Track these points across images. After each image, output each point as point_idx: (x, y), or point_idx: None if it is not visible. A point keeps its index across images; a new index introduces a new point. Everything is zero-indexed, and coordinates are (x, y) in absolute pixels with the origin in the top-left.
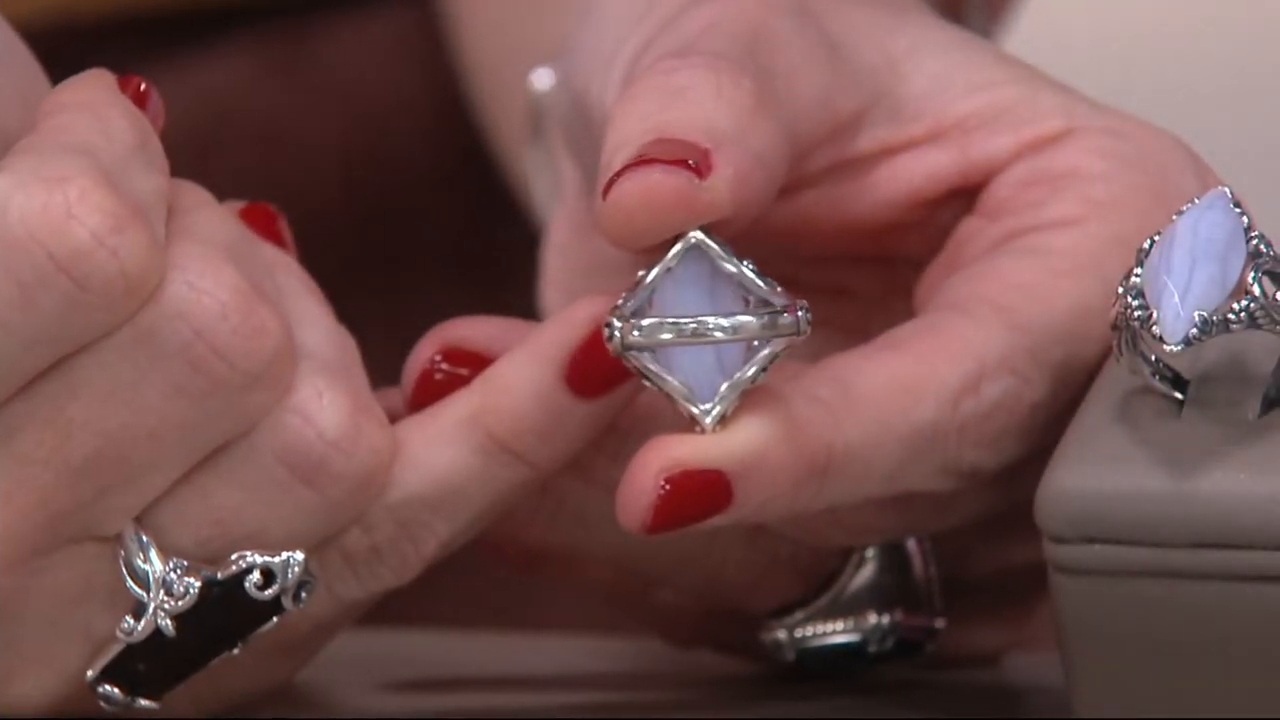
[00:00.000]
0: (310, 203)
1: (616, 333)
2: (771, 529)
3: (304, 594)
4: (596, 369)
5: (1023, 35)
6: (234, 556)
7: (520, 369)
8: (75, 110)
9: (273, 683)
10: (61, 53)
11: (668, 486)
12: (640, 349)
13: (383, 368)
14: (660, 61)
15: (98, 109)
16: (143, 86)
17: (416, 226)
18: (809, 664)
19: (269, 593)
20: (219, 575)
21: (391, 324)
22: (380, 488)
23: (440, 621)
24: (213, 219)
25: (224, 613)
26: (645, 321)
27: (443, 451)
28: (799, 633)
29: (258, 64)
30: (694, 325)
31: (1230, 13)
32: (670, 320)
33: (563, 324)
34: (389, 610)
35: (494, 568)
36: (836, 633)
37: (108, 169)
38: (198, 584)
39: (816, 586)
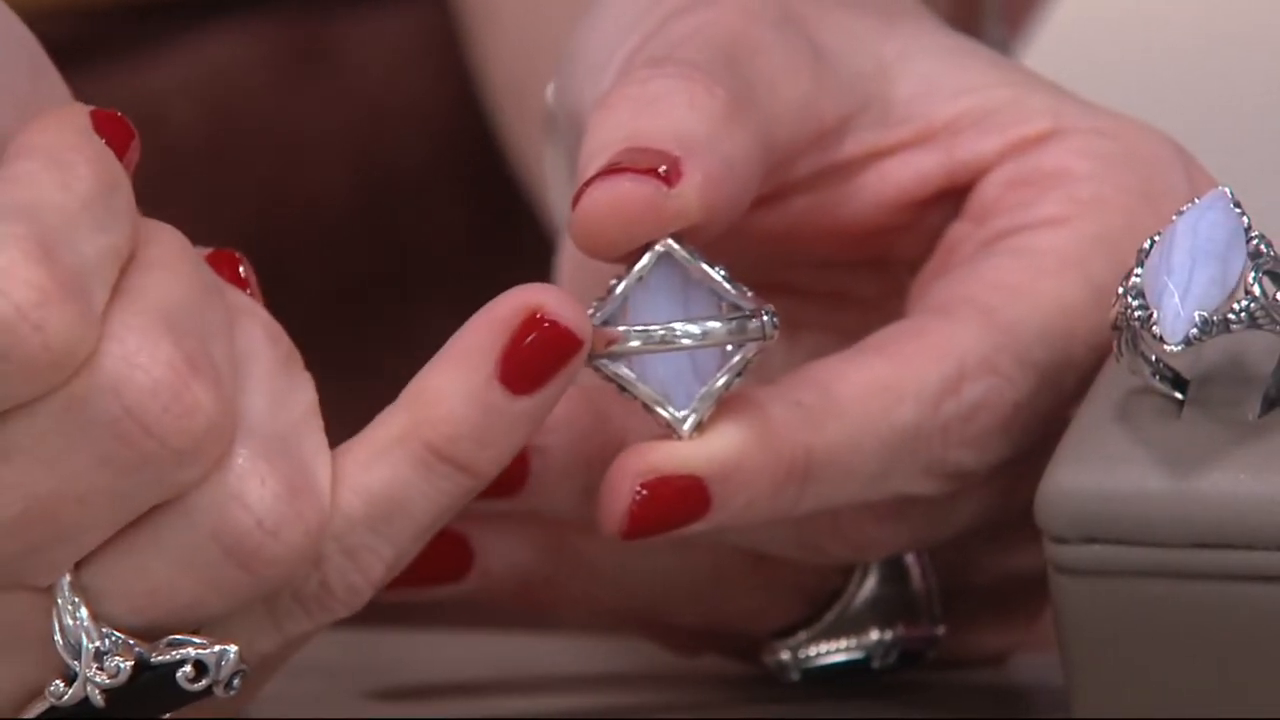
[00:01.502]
0: (315, 200)
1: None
2: (775, 552)
3: (236, 682)
4: (531, 363)
5: (1044, 44)
6: (167, 641)
7: (449, 375)
8: (38, 158)
9: (222, 713)
10: (67, 37)
11: (644, 492)
12: (610, 357)
13: (389, 368)
14: (635, 71)
15: (62, 155)
16: (119, 119)
17: (428, 226)
18: (813, 682)
19: (200, 685)
20: (152, 659)
21: (401, 325)
22: (314, 560)
23: (437, 622)
24: (165, 279)
25: (154, 692)
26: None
27: (381, 470)
28: (802, 653)
29: (267, 55)
30: (662, 332)
31: (1250, 19)
32: (638, 328)
33: (488, 322)
34: (387, 612)
35: None
36: (840, 651)
37: (49, 233)
38: (130, 664)
39: (818, 606)
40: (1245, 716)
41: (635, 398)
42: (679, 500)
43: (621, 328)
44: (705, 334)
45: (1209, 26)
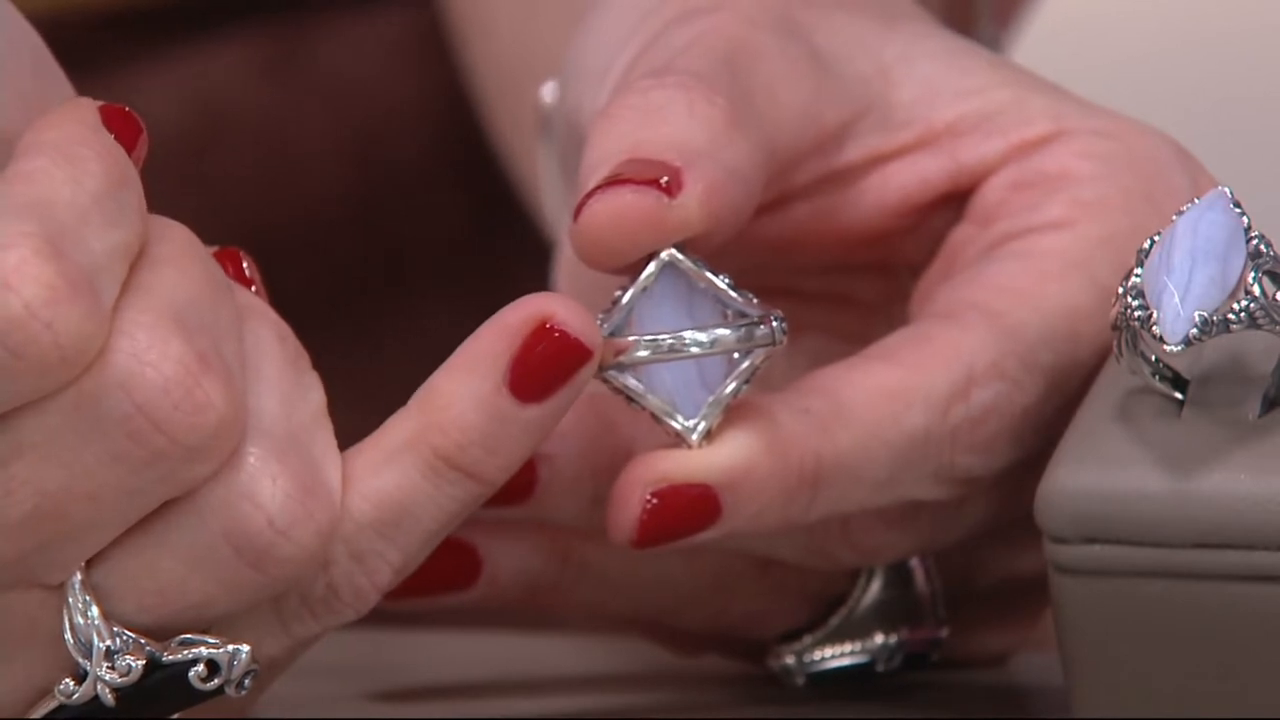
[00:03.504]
0: (308, 203)
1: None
2: (785, 558)
3: (248, 682)
4: (540, 371)
5: (1033, 42)
6: (179, 640)
7: (459, 381)
8: (48, 153)
9: (227, 714)
10: (54, 46)
11: (654, 501)
12: (619, 368)
13: (387, 370)
14: (636, 81)
15: (72, 151)
16: (127, 114)
17: (417, 228)
18: (818, 685)
19: (212, 684)
20: (164, 658)
21: (398, 325)
22: (323, 562)
23: (439, 623)
24: (175, 275)
25: (165, 692)
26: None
27: (389, 474)
28: (807, 657)
29: (256, 61)
30: (671, 341)
31: (1244, 18)
32: (647, 338)
33: (498, 330)
34: (389, 613)
35: None
36: (844, 655)
37: (59, 230)
38: (141, 663)
39: (822, 610)
40: (1245, 716)
41: (643, 408)
42: (689, 509)
43: (630, 337)
44: (714, 342)
45: (1201, 23)
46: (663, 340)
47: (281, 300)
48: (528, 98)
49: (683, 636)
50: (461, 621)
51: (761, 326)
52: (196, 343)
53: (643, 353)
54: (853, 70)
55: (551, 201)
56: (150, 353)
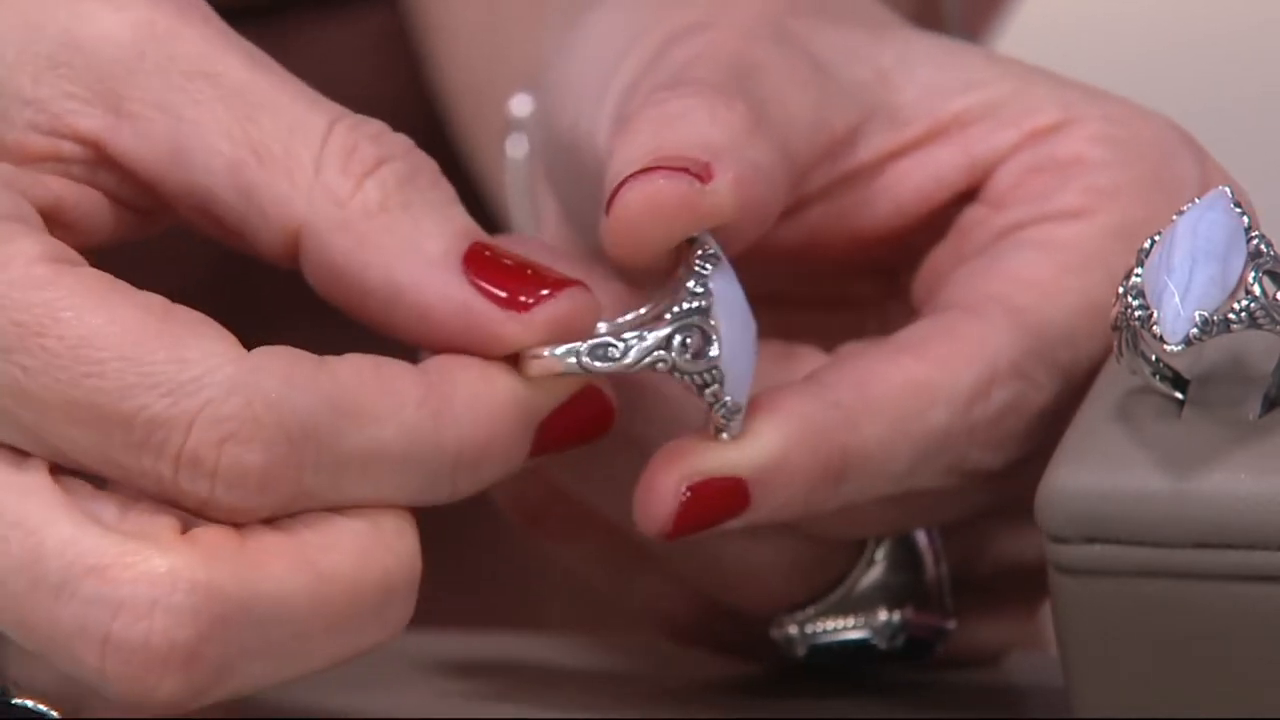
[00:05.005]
0: None
1: (573, 356)
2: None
3: None
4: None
5: (1009, 48)
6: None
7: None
8: None
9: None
10: None
11: (689, 494)
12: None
13: None
14: (652, 94)
15: None
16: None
17: None
18: (819, 660)
19: None
20: None
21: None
22: None
23: (434, 620)
24: None
25: None
26: (565, 346)
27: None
28: (809, 628)
29: None
30: (589, 344)
31: (1215, 22)
32: (579, 344)
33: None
34: None
35: (490, 566)
36: (847, 629)
37: None
38: None
39: (827, 584)
40: (1245, 716)
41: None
42: (719, 500)
43: (550, 350)
44: (640, 340)
45: (1173, 30)
46: (580, 348)
47: (266, 300)
48: (492, 105)
49: (679, 624)
50: (459, 620)
51: (677, 336)
52: None
53: (570, 359)
54: (853, 76)
55: (518, 214)
56: None
